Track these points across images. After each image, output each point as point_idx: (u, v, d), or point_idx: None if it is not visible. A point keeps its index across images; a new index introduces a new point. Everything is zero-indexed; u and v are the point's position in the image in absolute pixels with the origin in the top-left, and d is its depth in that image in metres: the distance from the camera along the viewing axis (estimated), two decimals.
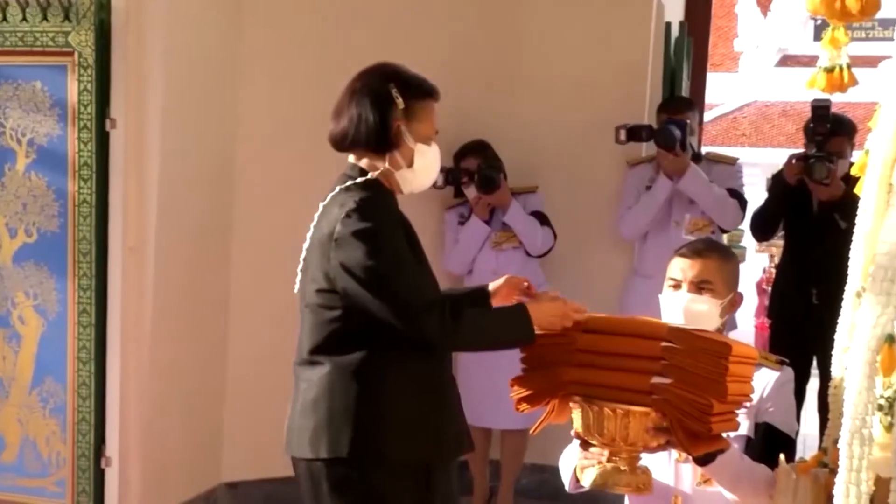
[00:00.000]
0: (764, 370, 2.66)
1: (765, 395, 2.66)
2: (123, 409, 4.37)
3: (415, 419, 2.65)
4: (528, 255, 4.83)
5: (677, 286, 2.78)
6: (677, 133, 4.66)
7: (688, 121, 4.79)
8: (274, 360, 4.78)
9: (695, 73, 6.49)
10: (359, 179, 2.67)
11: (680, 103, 5.06)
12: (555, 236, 4.92)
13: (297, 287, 2.78)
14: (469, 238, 4.86)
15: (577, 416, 2.49)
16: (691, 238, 4.26)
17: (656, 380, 2.41)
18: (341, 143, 2.71)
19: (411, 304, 2.55)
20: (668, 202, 4.84)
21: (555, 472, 2.78)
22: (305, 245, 2.72)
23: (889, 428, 1.94)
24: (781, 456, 2.40)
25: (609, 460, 2.45)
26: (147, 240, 4.34)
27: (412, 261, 2.64)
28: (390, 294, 2.55)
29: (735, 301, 2.83)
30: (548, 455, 2.70)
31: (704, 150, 5.42)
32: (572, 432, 2.60)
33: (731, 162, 5.07)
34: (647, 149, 5.07)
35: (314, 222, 2.70)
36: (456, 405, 2.79)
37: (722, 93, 19.51)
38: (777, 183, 5.16)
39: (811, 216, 5.06)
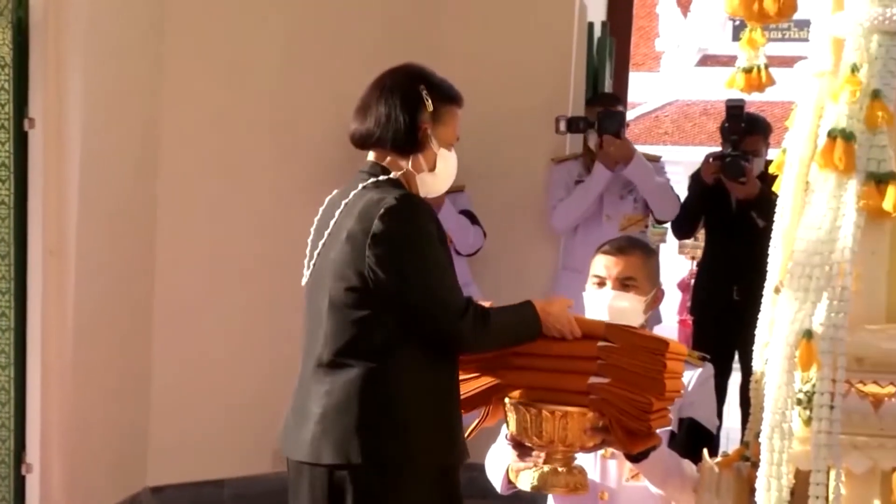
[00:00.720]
0: (687, 366, 2.71)
1: (688, 390, 2.71)
2: (44, 414, 4.29)
3: (442, 422, 2.60)
4: (458, 253, 4.84)
5: (601, 283, 2.81)
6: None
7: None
8: (200, 363, 4.78)
9: (617, 72, 6.55)
10: (381, 177, 2.62)
11: (611, 96, 5.14)
12: (484, 235, 4.94)
13: (304, 281, 2.72)
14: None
15: (512, 418, 2.50)
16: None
17: (594, 380, 2.43)
18: (366, 140, 2.66)
19: (450, 305, 2.53)
20: (599, 196, 4.90)
21: (482, 470, 2.79)
22: (321, 241, 2.65)
23: (808, 422, 1.98)
24: (705, 451, 2.45)
25: (546, 462, 2.47)
26: (68, 242, 4.27)
27: (449, 262, 2.62)
28: (431, 294, 2.53)
29: (657, 297, 2.88)
30: (474, 454, 2.71)
31: None
32: (506, 435, 2.61)
33: (655, 160, 5.14)
34: (570, 146, 5.11)
35: (334, 218, 2.63)
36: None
37: (644, 92, 19.75)
38: (695, 182, 5.25)
39: (730, 214, 5.16)
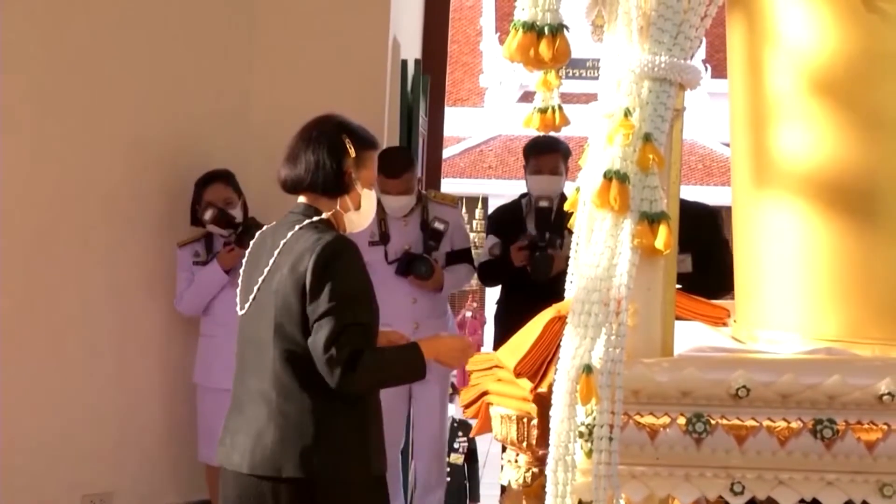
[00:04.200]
0: None
1: None
2: None
3: (378, 438, 2.93)
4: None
5: None
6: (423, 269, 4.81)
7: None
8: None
9: (433, 109, 6.66)
10: (315, 218, 2.90)
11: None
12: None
13: (242, 311, 2.96)
14: (206, 284, 4.73)
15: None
16: None
17: None
18: (297, 186, 2.93)
19: (329, 346, 2.76)
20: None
21: None
22: (260, 276, 2.90)
23: (589, 454, 2.05)
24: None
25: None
26: None
27: (365, 297, 2.89)
28: (326, 330, 2.77)
29: None
30: None
31: (447, 185, 5.55)
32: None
33: (453, 204, 5.18)
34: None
35: (272, 257, 2.88)
36: None
37: (469, 127, 20.10)
38: (504, 256, 5.31)
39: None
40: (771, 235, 2.41)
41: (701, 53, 18.01)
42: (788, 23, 2.34)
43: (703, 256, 4.47)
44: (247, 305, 2.95)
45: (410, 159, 5.14)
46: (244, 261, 3.02)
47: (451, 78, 19.07)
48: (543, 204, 5.01)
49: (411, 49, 6.24)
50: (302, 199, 2.94)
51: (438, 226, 4.88)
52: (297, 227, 2.88)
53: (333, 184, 2.89)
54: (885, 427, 2.06)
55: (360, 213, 2.97)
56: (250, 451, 2.82)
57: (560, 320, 2.26)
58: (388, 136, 5.35)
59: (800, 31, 2.32)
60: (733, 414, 2.09)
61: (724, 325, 2.69)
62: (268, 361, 2.85)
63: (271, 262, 2.88)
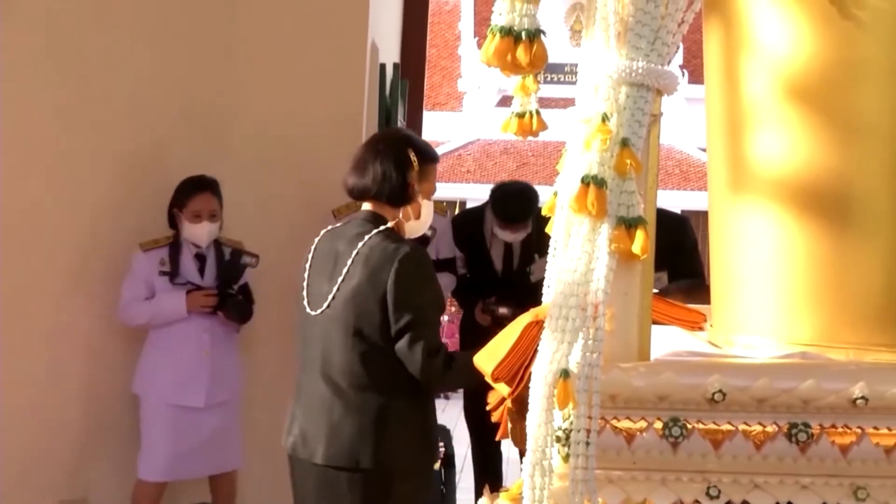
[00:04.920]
0: None
1: None
2: None
3: (436, 432, 3.29)
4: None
5: None
6: None
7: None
8: None
9: (411, 112, 6.67)
10: (382, 227, 3.17)
11: None
12: None
13: (315, 312, 3.20)
14: (166, 313, 4.58)
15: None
16: None
17: None
18: (363, 194, 3.21)
19: (425, 348, 3.06)
20: None
21: None
22: (339, 278, 3.15)
23: (566, 458, 2.05)
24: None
25: None
26: None
27: (439, 303, 3.25)
28: (418, 337, 3.07)
29: None
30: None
31: None
32: None
33: (443, 212, 5.23)
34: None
35: (346, 265, 3.14)
36: None
37: (448, 131, 20.13)
38: (469, 284, 5.35)
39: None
40: (746, 240, 2.42)
41: (678, 59, 18.11)
42: (764, 29, 2.35)
43: (674, 263, 4.52)
44: (319, 309, 3.18)
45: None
46: (307, 264, 3.25)
47: (429, 82, 19.11)
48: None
49: (390, 53, 6.25)
50: (367, 205, 3.22)
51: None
52: (366, 237, 3.14)
53: (399, 194, 3.15)
54: (858, 431, 2.08)
55: (420, 221, 3.23)
56: (326, 444, 3.08)
57: (537, 325, 2.26)
58: (366, 139, 5.34)
59: (775, 37, 2.34)
60: (709, 418, 2.09)
61: (701, 329, 2.70)
62: (344, 362, 3.11)
63: (345, 270, 3.14)
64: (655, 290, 2.35)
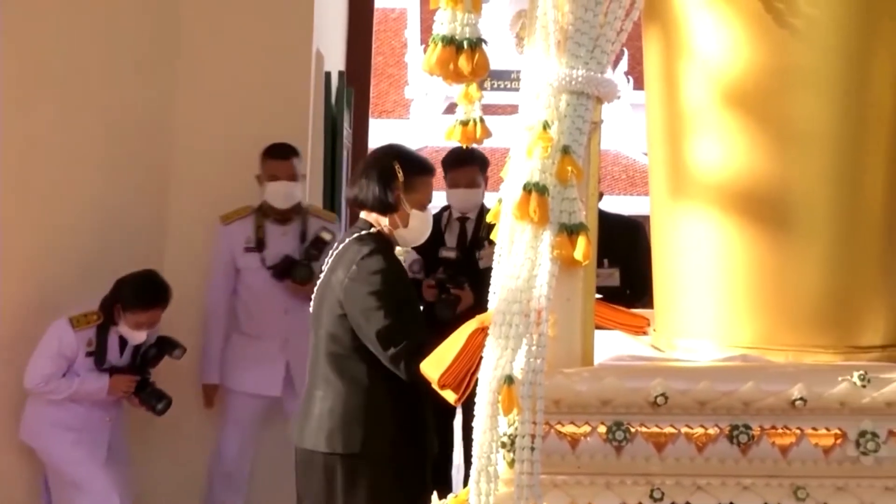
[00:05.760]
0: None
1: None
2: None
3: (429, 421, 3.34)
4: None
5: None
6: None
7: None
8: None
9: (357, 120, 6.66)
10: (364, 232, 3.35)
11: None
12: None
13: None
14: (86, 393, 4.45)
15: None
16: None
17: None
18: (356, 203, 3.41)
19: (390, 341, 3.14)
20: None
21: None
22: (319, 280, 3.40)
23: (512, 464, 2.06)
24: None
25: None
26: None
27: (407, 299, 3.34)
28: (379, 328, 3.17)
29: None
30: None
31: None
32: None
33: (331, 219, 5.13)
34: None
35: (328, 263, 3.37)
36: None
37: (394, 138, 20.05)
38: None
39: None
40: (687, 245, 2.45)
41: (623, 66, 18.27)
42: (702, 37, 2.39)
43: (625, 267, 4.56)
44: (311, 304, 3.40)
45: (294, 148, 4.95)
46: (323, 266, 3.45)
47: (376, 90, 19.09)
48: (461, 216, 5.04)
49: (335, 61, 6.24)
50: (363, 214, 3.40)
51: (325, 235, 4.82)
52: (346, 240, 3.37)
53: (381, 203, 3.31)
54: (797, 431, 2.12)
55: (409, 229, 3.37)
56: (315, 430, 3.24)
57: (482, 331, 2.27)
58: (311, 148, 5.34)
59: (713, 45, 2.37)
60: (652, 421, 2.12)
61: (644, 333, 2.73)
62: (325, 354, 3.29)
63: (326, 268, 3.38)
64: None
